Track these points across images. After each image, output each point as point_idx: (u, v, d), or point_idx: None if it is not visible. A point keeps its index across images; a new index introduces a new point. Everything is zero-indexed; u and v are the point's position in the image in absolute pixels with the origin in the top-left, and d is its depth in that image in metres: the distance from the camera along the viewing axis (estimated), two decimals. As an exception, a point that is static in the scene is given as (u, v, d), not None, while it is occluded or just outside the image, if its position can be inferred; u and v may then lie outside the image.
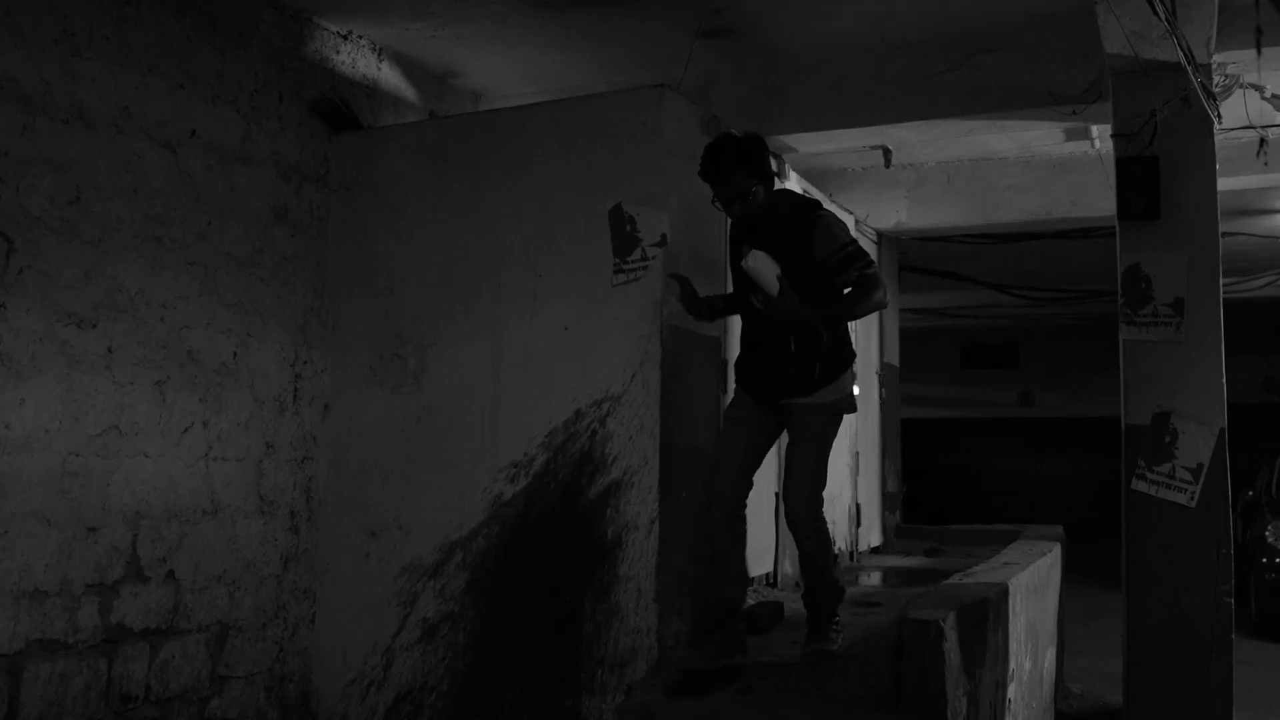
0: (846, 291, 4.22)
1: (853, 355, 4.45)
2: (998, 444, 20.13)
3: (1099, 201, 7.30)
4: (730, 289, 4.72)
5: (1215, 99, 5.18)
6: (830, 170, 8.13)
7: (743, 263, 4.14)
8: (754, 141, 4.24)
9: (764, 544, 5.61)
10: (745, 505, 4.44)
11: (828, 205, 6.83)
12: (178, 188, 4.73)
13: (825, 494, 6.65)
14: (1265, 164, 6.01)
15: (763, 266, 4.09)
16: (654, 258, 4.68)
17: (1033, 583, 5.61)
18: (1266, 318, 14.96)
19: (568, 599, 4.71)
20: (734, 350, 5.27)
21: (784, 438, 4.53)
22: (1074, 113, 5.79)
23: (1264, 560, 9.77)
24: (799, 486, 4.32)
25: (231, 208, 4.98)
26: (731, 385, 5.21)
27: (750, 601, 5.24)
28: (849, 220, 7.22)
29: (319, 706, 5.30)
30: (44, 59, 4.21)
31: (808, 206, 4.35)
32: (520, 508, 4.91)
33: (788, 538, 5.89)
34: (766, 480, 5.64)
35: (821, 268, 4.16)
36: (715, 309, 4.54)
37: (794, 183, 6.16)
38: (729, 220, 4.48)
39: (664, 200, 4.70)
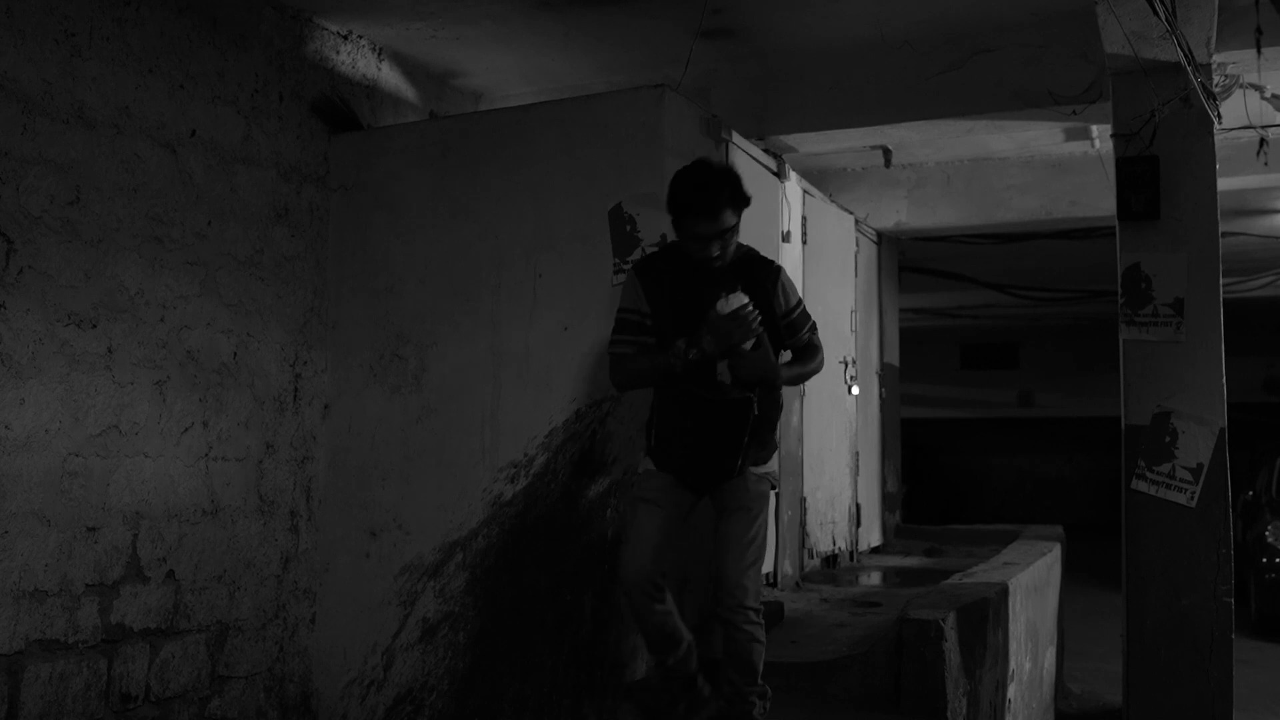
0: (788, 355, 3.85)
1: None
2: (998, 444, 20.13)
3: (1099, 201, 7.31)
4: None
5: (1215, 99, 5.18)
6: (830, 170, 8.14)
7: (720, 306, 3.52)
8: (734, 173, 3.74)
9: (764, 544, 5.60)
10: (664, 595, 3.70)
11: (827, 205, 6.86)
12: (178, 188, 4.73)
13: (825, 494, 6.73)
14: (1265, 164, 6.01)
15: (754, 312, 3.55)
16: (654, 258, 4.67)
17: (1033, 583, 5.62)
18: (1266, 318, 14.97)
19: (568, 599, 4.71)
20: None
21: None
22: (1074, 113, 5.79)
23: (1264, 560, 9.77)
24: (739, 562, 3.63)
25: (231, 208, 4.98)
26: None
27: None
28: (848, 220, 7.23)
29: (319, 706, 5.30)
30: (44, 59, 4.21)
31: (763, 257, 3.85)
32: (520, 508, 4.91)
33: (788, 537, 5.91)
34: (766, 480, 5.64)
35: (779, 324, 3.76)
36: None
37: (794, 182, 6.17)
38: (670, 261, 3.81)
39: (664, 200, 4.69)
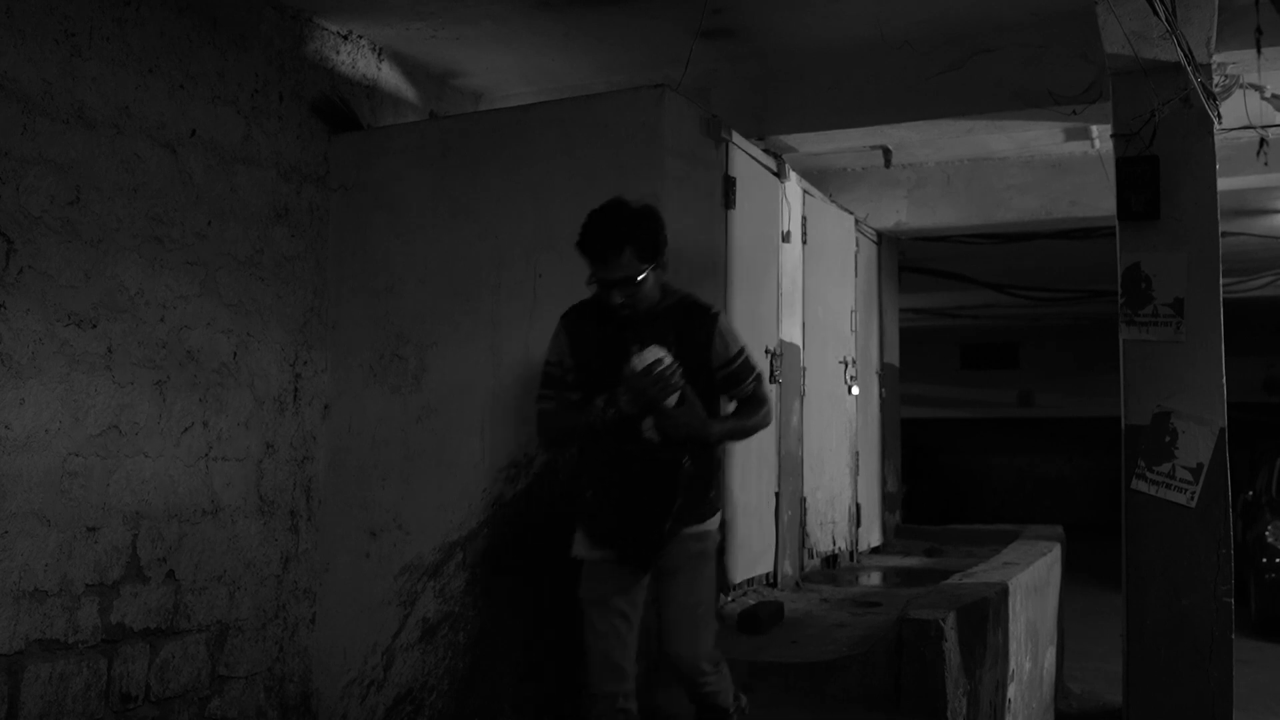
0: (733, 406, 3.60)
1: (722, 484, 3.85)
2: (998, 444, 20.15)
3: (1099, 201, 7.31)
4: None
5: (1215, 99, 5.18)
6: (830, 170, 8.14)
7: (635, 362, 3.26)
8: (651, 216, 3.45)
9: (764, 544, 5.61)
10: (630, 700, 3.50)
11: (827, 205, 6.86)
12: (178, 188, 4.73)
13: (825, 494, 6.73)
14: (1265, 164, 6.00)
15: (671, 366, 3.28)
16: (654, 258, 4.67)
17: (1033, 583, 5.61)
18: (1266, 318, 14.97)
19: (568, 599, 4.70)
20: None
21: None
22: (1074, 113, 5.79)
23: (1264, 560, 9.77)
24: (689, 637, 3.47)
25: (231, 208, 4.98)
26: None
27: (750, 601, 5.24)
28: (848, 220, 7.23)
29: (319, 706, 5.30)
30: (44, 59, 4.21)
31: (700, 304, 3.57)
32: (521, 508, 4.91)
33: (788, 537, 5.90)
34: (766, 480, 5.65)
35: (716, 376, 3.49)
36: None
37: (794, 182, 6.17)
38: (597, 312, 3.53)
39: (664, 200, 4.70)
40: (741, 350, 3.54)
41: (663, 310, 3.46)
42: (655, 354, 3.26)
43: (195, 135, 4.81)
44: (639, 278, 3.35)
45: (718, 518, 3.63)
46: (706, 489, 3.54)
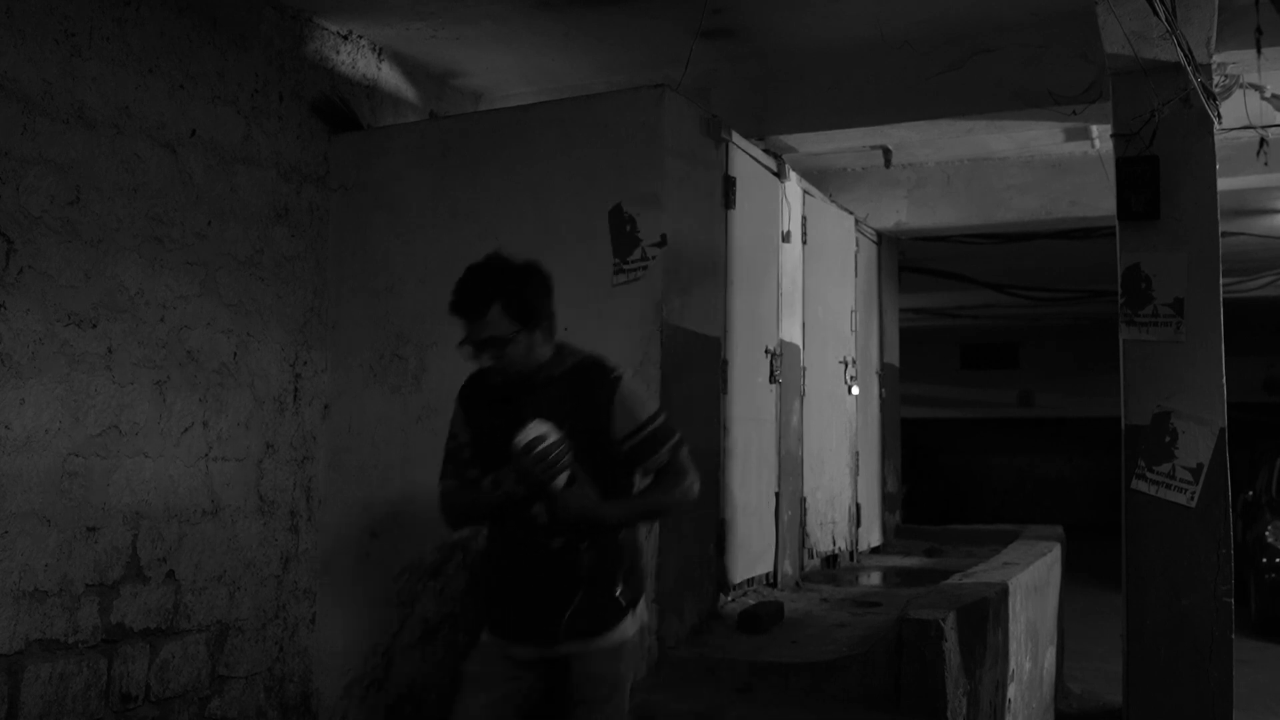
0: (647, 481, 3.15)
1: (644, 573, 3.25)
2: (998, 444, 20.16)
3: (1099, 201, 7.30)
4: None
5: (1215, 99, 5.18)
6: (830, 170, 8.14)
7: (517, 439, 2.86)
8: (529, 273, 3.07)
9: (764, 544, 5.61)
10: None
11: (827, 205, 6.86)
12: (178, 188, 4.73)
13: (825, 494, 6.73)
14: (1265, 164, 6.00)
15: (555, 443, 2.87)
16: (654, 258, 4.68)
17: (1033, 583, 5.61)
18: (1266, 318, 14.97)
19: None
20: (736, 351, 5.28)
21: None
22: (1074, 113, 5.79)
23: (1264, 560, 9.77)
24: None
25: (231, 208, 4.98)
26: (733, 384, 5.23)
27: (750, 601, 5.24)
28: (848, 220, 7.23)
29: (319, 706, 5.30)
30: (44, 59, 4.21)
31: (601, 367, 3.13)
32: (520, 508, 4.90)
33: (788, 537, 5.91)
34: (766, 480, 5.65)
35: (620, 449, 3.04)
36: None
37: (794, 182, 6.17)
38: (470, 379, 3.22)
39: (664, 200, 4.70)
40: (653, 417, 3.08)
41: (559, 376, 3.07)
42: (538, 429, 2.86)
43: (195, 135, 4.81)
44: (507, 339, 2.97)
45: (633, 622, 3.10)
46: (612, 584, 3.05)
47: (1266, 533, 9.88)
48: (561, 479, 2.90)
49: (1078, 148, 7.45)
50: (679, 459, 3.10)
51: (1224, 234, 5.42)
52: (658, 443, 3.07)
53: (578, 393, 3.05)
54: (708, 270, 5.04)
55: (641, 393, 3.16)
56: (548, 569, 3.03)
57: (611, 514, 3.02)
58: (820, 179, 7.73)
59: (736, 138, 5.35)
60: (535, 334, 3.03)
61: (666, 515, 3.25)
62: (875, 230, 8.10)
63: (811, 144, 6.65)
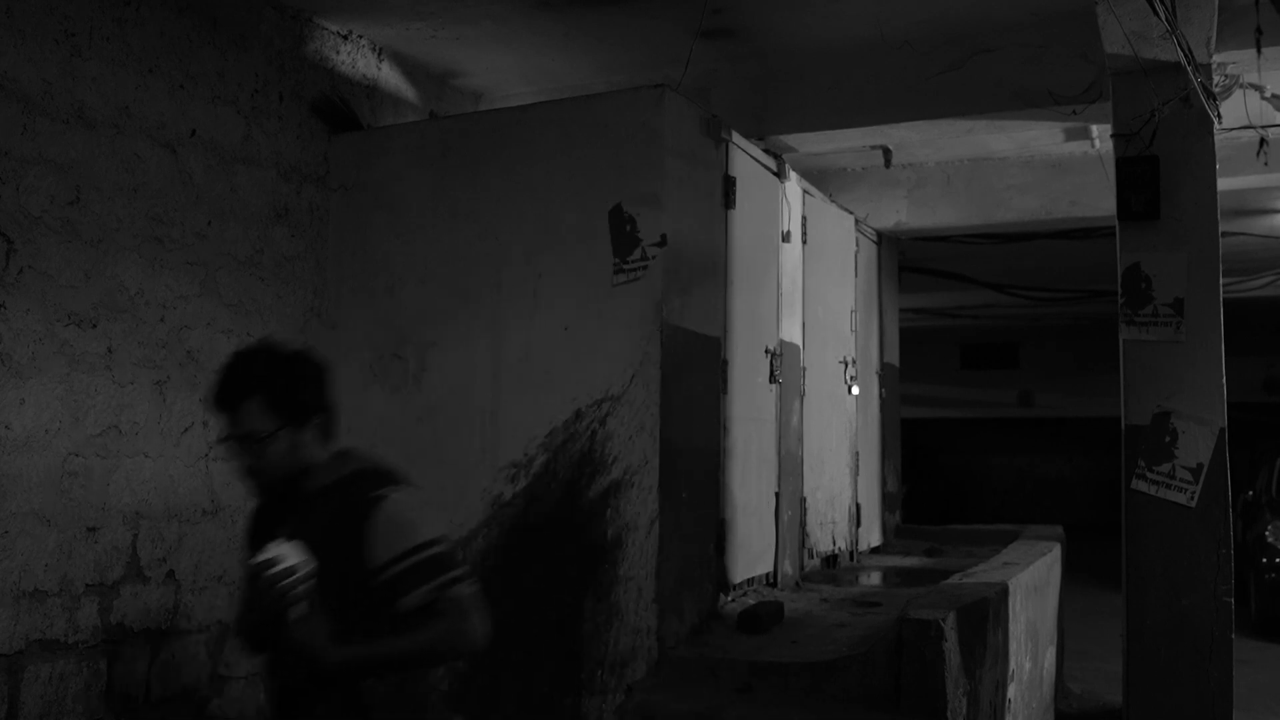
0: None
1: None
2: (998, 444, 20.17)
3: (1099, 201, 7.31)
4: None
5: (1215, 99, 5.18)
6: (830, 170, 8.14)
7: (252, 559, 2.55)
8: (298, 364, 2.73)
9: (764, 544, 5.61)
10: None
11: (827, 205, 6.86)
12: (178, 188, 4.73)
13: (825, 494, 6.73)
14: (1265, 164, 6.00)
15: (288, 568, 2.49)
16: (654, 258, 4.68)
17: (1033, 583, 5.61)
18: (1266, 318, 14.97)
19: (568, 599, 4.71)
20: (736, 351, 5.28)
21: None
22: (1074, 113, 5.79)
23: (1264, 560, 9.78)
24: None
25: (231, 208, 4.98)
26: (733, 384, 5.23)
27: (750, 601, 5.24)
28: (848, 220, 7.23)
29: (319, 706, 5.29)
30: (44, 59, 4.21)
31: (365, 482, 2.67)
32: (520, 508, 4.91)
33: (788, 536, 5.91)
34: (766, 480, 5.65)
35: (375, 580, 2.55)
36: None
37: (794, 182, 6.17)
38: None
39: (664, 200, 4.70)
40: (420, 547, 2.58)
41: (330, 486, 2.68)
42: (274, 550, 2.51)
43: (195, 135, 4.81)
44: (267, 436, 2.65)
45: None
46: None
47: (1266, 533, 9.89)
48: (298, 608, 2.51)
49: (1078, 148, 7.45)
50: (448, 598, 2.57)
51: (1224, 234, 5.42)
52: (421, 577, 2.56)
53: (336, 509, 2.63)
54: (708, 270, 5.04)
55: (409, 517, 2.63)
56: (294, 705, 2.65)
57: (334, 657, 2.51)
58: (820, 179, 7.73)
59: (736, 138, 5.35)
60: (303, 433, 2.68)
61: (415, 666, 2.68)
62: (875, 230, 8.10)
63: (811, 144, 6.65)
